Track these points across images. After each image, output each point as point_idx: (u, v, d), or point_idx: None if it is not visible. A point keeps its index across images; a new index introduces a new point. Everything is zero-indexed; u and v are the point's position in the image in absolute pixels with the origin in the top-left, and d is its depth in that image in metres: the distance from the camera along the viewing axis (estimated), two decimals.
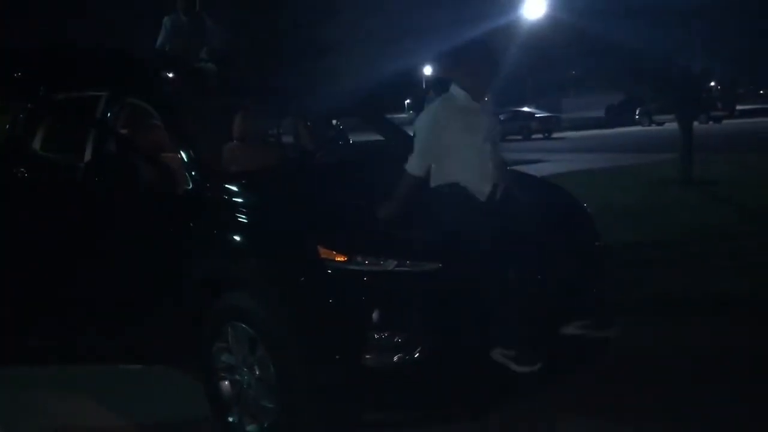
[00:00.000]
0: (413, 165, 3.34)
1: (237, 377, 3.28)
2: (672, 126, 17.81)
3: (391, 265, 2.93)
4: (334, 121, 6.02)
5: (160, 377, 4.00)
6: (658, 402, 3.62)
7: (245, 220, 3.36)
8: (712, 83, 30.42)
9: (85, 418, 3.84)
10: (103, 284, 3.70)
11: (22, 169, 4.29)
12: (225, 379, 3.34)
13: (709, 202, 9.60)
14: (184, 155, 3.65)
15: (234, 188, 3.56)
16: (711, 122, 30.45)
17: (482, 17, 12.58)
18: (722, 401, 3.52)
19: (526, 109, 35.50)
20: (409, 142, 4.82)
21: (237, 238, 3.39)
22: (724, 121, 31.67)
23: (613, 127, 34.63)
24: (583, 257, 3.59)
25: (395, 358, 2.88)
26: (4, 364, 4.10)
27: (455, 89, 3.44)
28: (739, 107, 35.17)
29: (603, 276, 3.68)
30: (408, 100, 45.97)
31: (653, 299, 5.22)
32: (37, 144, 4.41)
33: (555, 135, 32.13)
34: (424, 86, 29.14)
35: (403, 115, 38.60)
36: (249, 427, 3.23)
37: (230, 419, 3.31)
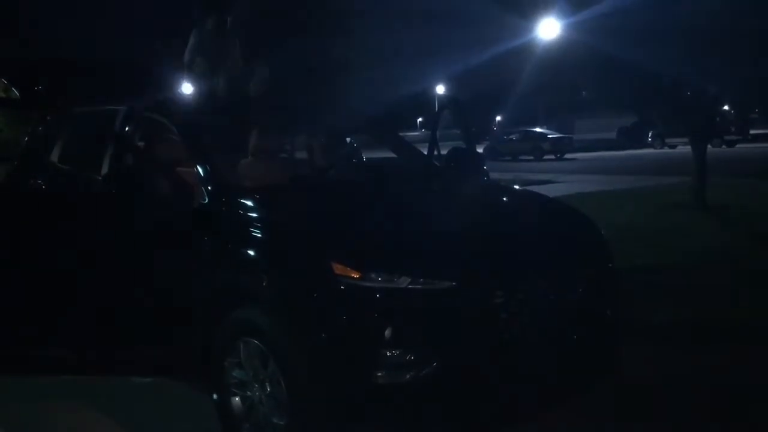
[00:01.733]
0: None
1: (248, 393, 3.27)
2: (685, 149, 17.77)
3: (404, 282, 2.93)
4: (347, 139, 6.03)
5: (171, 391, 4.01)
6: (667, 427, 3.58)
7: (259, 236, 3.37)
8: (726, 107, 30.32)
9: (93, 429, 3.85)
10: (117, 296, 3.72)
11: (40, 181, 4.34)
12: (236, 394, 3.33)
13: (723, 227, 9.54)
14: (200, 169, 3.68)
15: (249, 203, 3.59)
16: (724, 146, 30.36)
17: (497, 38, 12.66)
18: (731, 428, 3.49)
19: (538, 129, 35.57)
20: (421, 159, 4.87)
21: (250, 253, 3.40)
22: (738, 145, 31.57)
23: (625, 149, 34.59)
24: (596, 279, 3.58)
25: (407, 376, 2.87)
26: (16, 374, 4.12)
27: None
28: (752, 131, 35.05)
29: (615, 298, 3.66)
30: (420, 119, 46.11)
31: (665, 323, 5.18)
32: (55, 156, 4.46)
33: (567, 156, 32.11)
34: (436, 104, 29.25)
35: (416, 133, 38.71)
36: None
37: None
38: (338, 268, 2.96)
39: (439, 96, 35.14)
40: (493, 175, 5.30)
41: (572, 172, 21.98)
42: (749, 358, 4.45)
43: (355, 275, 2.94)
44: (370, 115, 5.52)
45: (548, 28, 12.65)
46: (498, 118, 46.47)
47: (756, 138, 34.35)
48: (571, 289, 3.35)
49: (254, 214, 3.53)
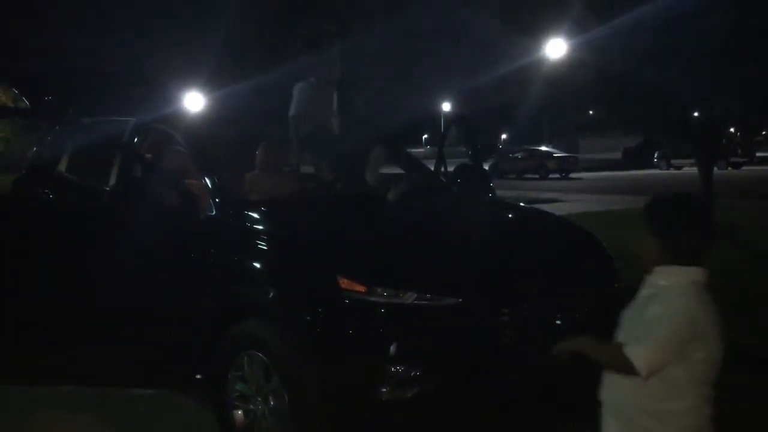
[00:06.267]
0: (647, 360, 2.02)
1: (251, 407, 3.26)
2: (690, 170, 17.74)
3: (410, 298, 2.92)
4: None
5: (173, 403, 3.99)
6: None
7: (265, 248, 3.37)
8: (732, 129, 30.32)
9: None
10: (122, 306, 3.71)
11: (47, 191, 4.35)
12: (238, 408, 3.32)
13: (729, 249, 9.49)
14: (207, 181, 3.69)
15: (256, 216, 3.59)
16: (730, 168, 30.33)
17: (504, 57, 12.72)
18: None
19: (543, 148, 35.59)
20: (428, 175, 4.86)
21: (257, 265, 3.39)
22: (744, 168, 31.53)
23: (630, 169, 34.57)
24: (602, 298, 3.56)
25: (411, 393, 2.86)
26: (17, 383, 4.11)
27: None
28: (758, 154, 35.04)
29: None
30: (426, 135, 46.31)
31: None
32: (63, 166, 4.47)
33: (572, 175, 32.10)
34: (442, 121, 29.38)
35: (421, 150, 38.87)
36: None
37: None
38: (344, 282, 2.95)
39: (446, 113, 35.36)
40: (499, 193, 5.26)
41: (578, 191, 21.95)
42: (749, 379, 4.42)
43: (361, 290, 2.93)
44: (379, 130, 5.52)
45: (555, 48, 12.68)
46: (503, 136, 46.61)
47: (762, 160, 34.32)
48: (577, 308, 3.33)
49: (261, 227, 3.53)
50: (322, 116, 5.05)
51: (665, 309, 2.03)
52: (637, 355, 2.00)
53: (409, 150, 5.41)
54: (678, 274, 2.09)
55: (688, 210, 2.16)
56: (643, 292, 2.15)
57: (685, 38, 8.91)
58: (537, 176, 31.66)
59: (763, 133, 38.82)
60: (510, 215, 4.47)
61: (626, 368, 2.03)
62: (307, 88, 4.97)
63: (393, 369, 2.86)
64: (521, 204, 6.04)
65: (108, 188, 4.01)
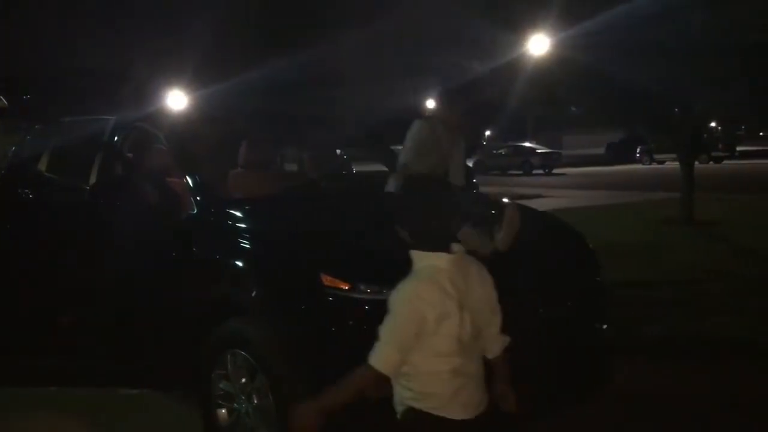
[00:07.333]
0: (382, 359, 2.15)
1: (235, 405, 3.24)
2: (672, 165, 17.93)
3: None
4: (337, 151, 6.03)
5: (157, 402, 3.96)
6: None
7: (248, 247, 3.36)
8: (713, 124, 30.62)
9: None
10: (104, 306, 3.69)
11: (27, 190, 4.31)
12: (222, 407, 3.30)
13: (710, 242, 9.60)
14: (189, 180, 3.67)
15: (238, 214, 3.57)
16: (711, 162, 30.64)
17: (487, 54, 12.76)
18: None
19: (527, 144, 35.75)
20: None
21: (239, 264, 3.38)
22: (725, 162, 31.86)
23: (613, 164, 34.82)
24: (585, 292, 3.59)
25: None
26: (2, 384, 4.07)
27: None
28: (739, 148, 35.43)
29: (603, 312, 3.67)
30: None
31: (652, 339, 5.19)
32: (43, 165, 4.43)
33: (555, 171, 32.28)
34: None
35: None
36: None
37: None
38: (327, 280, 2.94)
39: (429, 111, 35.37)
40: (483, 189, 5.29)
41: (561, 186, 22.08)
42: (732, 370, 4.48)
43: (344, 287, 2.92)
44: (362, 128, 5.52)
45: (538, 44, 12.75)
46: (487, 132, 46.73)
47: (743, 155, 34.72)
48: (560, 303, 3.35)
49: (243, 225, 3.52)
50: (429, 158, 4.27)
51: (395, 304, 2.14)
52: (374, 356, 2.11)
53: (392, 148, 5.40)
54: (421, 260, 2.18)
55: (425, 199, 2.21)
56: None
57: (665, 35, 8.98)
58: (521, 172, 31.82)
59: (743, 127, 39.24)
60: (493, 211, 4.47)
61: (368, 376, 2.13)
62: (418, 131, 4.35)
63: None
64: (504, 199, 6.05)
65: (88, 187, 3.98)
